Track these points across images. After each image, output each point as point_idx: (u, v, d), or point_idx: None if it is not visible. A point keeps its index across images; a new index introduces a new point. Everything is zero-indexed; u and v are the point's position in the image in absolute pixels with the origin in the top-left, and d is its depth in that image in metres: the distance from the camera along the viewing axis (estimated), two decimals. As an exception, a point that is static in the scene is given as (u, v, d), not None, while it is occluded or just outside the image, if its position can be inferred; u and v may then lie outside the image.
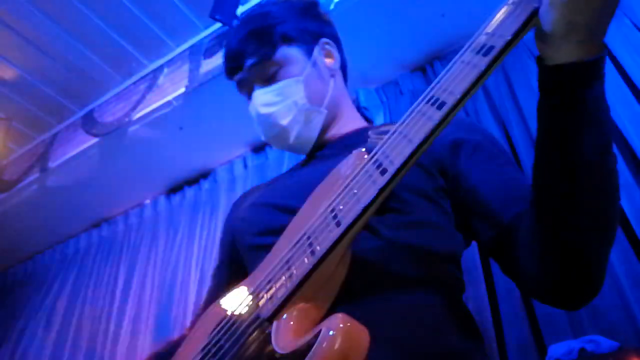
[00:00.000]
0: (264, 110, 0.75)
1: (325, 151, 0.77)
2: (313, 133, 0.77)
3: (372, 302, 0.54)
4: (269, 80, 0.76)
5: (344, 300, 0.51)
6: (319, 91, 0.77)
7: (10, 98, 2.75)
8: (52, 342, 2.84)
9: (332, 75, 0.80)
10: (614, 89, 1.75)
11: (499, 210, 0.58)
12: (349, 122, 0.81)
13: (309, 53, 0.78)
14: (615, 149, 1.61)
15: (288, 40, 0.77)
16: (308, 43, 0.79)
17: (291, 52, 0.77)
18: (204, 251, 2.50)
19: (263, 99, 0.76)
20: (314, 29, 0.81)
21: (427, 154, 0.64)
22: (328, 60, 0.80)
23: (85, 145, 2.60)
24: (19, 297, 3.33)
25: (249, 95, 0.79)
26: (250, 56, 0.76)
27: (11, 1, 2.27)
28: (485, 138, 0.67)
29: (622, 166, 1.61)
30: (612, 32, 1.84)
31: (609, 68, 1.79)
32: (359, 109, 0.88)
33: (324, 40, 0.81)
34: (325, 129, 0.78)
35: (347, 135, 0.78)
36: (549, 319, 1.51)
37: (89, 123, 2.66)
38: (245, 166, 2.71)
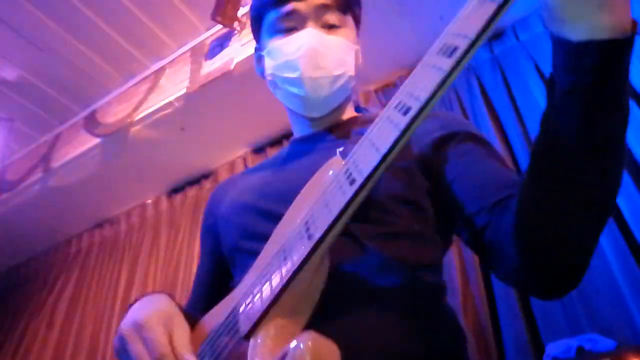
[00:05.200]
0: (321, 49, 0.71)
1: (313, 143, 0.76)
2: (336, 102, 0.77)
3: (351, 314, 0.53)
4: (327, 29, 0.74)
5: (323, 314, 0.49)
6: (355, 72, 0.78)
7: (13, 98, 2.77)
8: (54, 341, 2.85)
9: (357, 72, 0.82)
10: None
11: (481, 197, 0.56)
12: (349, 114, 0.82)
13: (356, 39, 0.80)
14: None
15: (354, 17, 0.79)
16: (356, 34, 0.81)
17: (351, 26, 0.78)
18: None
19: (322, 39, 0.72)
20: (359, 27, 0.83)
21: (410, 156, 0.64)
22: (359, 60, 0.82)
23: (87, 146, 2.61)
24: (21, 296, 3.34)
25: (290, 29, 0.74)
26: None
27: (13, 2, 2.29)
28: (468, 131, 0.66)
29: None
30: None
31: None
32: (359, 109, 0.88)
33: (359, 40, 0.83)
34: (336, 108, 0.78)
35: (340, 124, 0.78)
36: (546, 317, 1.52)
37: (91, 123, 2.68)
38: (246, 166, 2.72)
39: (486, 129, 1.95)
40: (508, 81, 2.05)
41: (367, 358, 0.51)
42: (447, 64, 0.40)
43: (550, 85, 0.43)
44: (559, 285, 0.50)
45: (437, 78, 0.40)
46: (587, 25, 0.38)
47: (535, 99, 1.92)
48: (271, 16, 0.75)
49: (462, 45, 0.39)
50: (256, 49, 0.83)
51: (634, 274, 1.46)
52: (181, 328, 0.56)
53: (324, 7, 0.73)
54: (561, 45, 0.40)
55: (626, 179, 1.60)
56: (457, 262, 1.73)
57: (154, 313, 0.56)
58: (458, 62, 0.39)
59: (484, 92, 2.09)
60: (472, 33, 0.39)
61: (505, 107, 1.99)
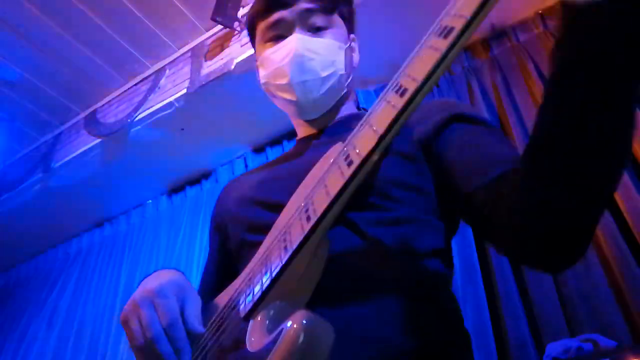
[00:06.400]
0: (307, 53, 0.73)
1: (315, 140, 0.77)
2: (330, 102, 0.78)
3: (351, 300, 0.53)
4: (313, 32, 0.75)
5: (323, 299, 0.50)
6: (348, 69, 0.78)
7: (14, 99, 2.77)
8: (54, 341, 2.86)
9: (353, 67, 0.83)
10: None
11: (481, 173, 0.56)
12: (348, 110, 0.83)
13: (347, 36, 0.80)
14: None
15: (342, 14, 0.80)
16: (349, 30, 0.82)
17: (340, 24, 0.79)
18: (205, 251, 2.51)
19: (307, 44, 0.73)
20: (353, 22, 0.84)
21: (412, 140, 0.65)
22: (355, 55, 0.84)
23: (87, 146, 2.62)
24: (21, 296, 3.34)
25: (279, 37, 0.76)
26: (310, 1, 0.74)
27: (14, 3, 2.29)
28: (467, 113, 0.66)
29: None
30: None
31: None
32: (359, 109, 0.89)
33: (353, 36, 0.84)
34: (332, 107, 0.79)
35: (340, 121, 0.79)
36: (547, 317, 1.52)
37: (91, 124, 2.68)
38: (246, 166, 2.73)
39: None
40: (508, 81, 2.05)
41: (364, 348, 0.51)
42: (443, 44, 0.40)
43: (553, 57, 0.41)
44: (557, 260, 0.49)
45: (433, 59, 0.40)
46: None
47: (535, 99, 1.92)
48: (261, 26, 0.78)
49: (458, 25, 0.39)
50: (255, 60, 0.86)
51: (634, 275, 1.46)
52: (193, 299, 0.58)
53: (308, 12, 0.75)
54: (567, 7, 0.38)
55: (626, 179, 1.60)
56: (457, 262, 1.73)
57: (168, 283, 0.57)
58: (454, 43, 0.39)
59: (484, 92, 2.09)
60: (468, 13, 0.38)
61: (505, 107, 1.99)
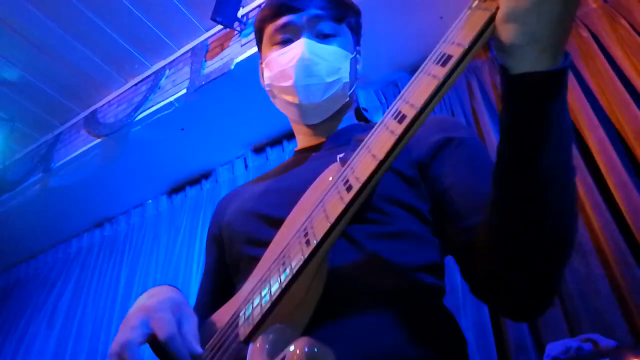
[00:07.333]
0: (314, 58, 0.73)
1: (315, 152, 0.77)
2: (332, 108, 0.78)
3: (348, 317, 0.54)
4: (321, 38, 0.76)
5: (321, 317, 0.50)
6: (352, 78, 0.79)
7: (14, 99, 2.78)
8: (54, 340, 2.86)
9: (357, 78, 0.83)
10: (611, 90, 1.76)
11: (465, 216, 0.58)
12: (349, 121, 0.83)
13: (353, 47, 0.81)
14: (614, 150, 1.63)
15: (350, 25, 0.80)
16: (356, 41, 0.83)
17: (347, 34, 0.80)
18: (205, 250, 2.51)
19: (315, 48, 0.74)
20: (360, 34, 0.85)
21: (408, 159, 0.65)
22: (359, 66, 0.84)
23: (87, 146, 2.62)
24: (21, 296, 3.35)
25: (286, 40, 0.76)
26: (319, 8, 0.75)
27: (14, 3, 2.29)
28: (463, 137, 0.66)
29: (620, 166, 1.62)
30: (609, 33, 1.85)
31: (608, 69, 1.81)
32: (359, 109, 0.89)
33: (359, 48, 0.84)
34: (334, 115, 0.79)
35: (340, 132, 0.79)
36: (547, 317, 1.52)
37: (91, 124, 2.68)
38: (246, 166, 2.73)
39: (486, 129, 1.96)
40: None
41: (364, 358, 0.51)
42: (441, 72, 0.40)
43: (500, 111, 0.46)
44: (520, 311, 0.52)
45: (432, 86, 0.41)
46: (529, 60, 0.40)
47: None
48: (269, 29, 0.79)
49: (457, 54, 0.40)
50: (260, 62, 0.86)
51: (634, 275, 1.46)
52: (190, 318, 0.57)
53: (318, 18, 0.75)
54: (503, 73, 0.43)
55: (626, 178, 1.60)
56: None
57: (164, 300, 0.57)
58: (452, 71, 0.40)
59: (483, 92, 2.10)
60: (467, 42, 0.39)
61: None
